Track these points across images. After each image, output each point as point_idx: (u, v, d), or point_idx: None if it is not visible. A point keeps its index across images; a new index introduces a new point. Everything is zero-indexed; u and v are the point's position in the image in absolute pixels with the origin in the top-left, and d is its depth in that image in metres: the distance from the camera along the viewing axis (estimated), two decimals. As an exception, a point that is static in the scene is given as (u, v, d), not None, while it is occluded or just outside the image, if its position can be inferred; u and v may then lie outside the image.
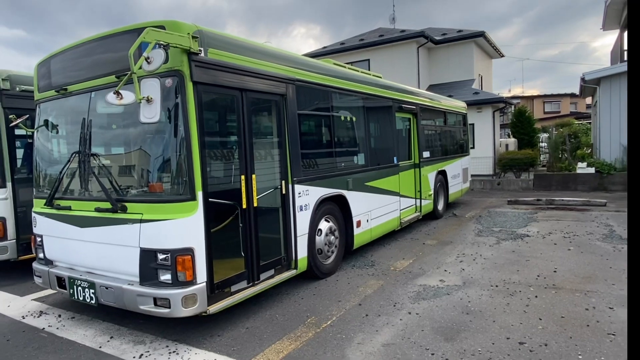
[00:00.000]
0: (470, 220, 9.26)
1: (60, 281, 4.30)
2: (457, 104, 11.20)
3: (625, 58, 16.26)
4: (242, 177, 4.18)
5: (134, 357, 3.62)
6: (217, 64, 3.88)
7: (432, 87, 17.70)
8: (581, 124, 23.09)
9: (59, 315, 4.64)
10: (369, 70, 17.94)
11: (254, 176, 4.28)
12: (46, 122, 4.62)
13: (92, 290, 3.98)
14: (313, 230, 5.21)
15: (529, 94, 42.85)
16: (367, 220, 6.44)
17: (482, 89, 18.31)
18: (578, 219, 9.02)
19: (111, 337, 4.03)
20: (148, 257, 3.66)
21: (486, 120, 15.90)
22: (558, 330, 3.79)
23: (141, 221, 3.68)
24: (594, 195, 12.40)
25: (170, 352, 3.68)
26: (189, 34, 3.56)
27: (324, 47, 19.37)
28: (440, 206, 9.69)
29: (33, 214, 4.69)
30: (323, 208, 5.45)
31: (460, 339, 3.71)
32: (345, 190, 5.85)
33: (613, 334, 3.66)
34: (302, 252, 4.97)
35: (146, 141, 3.90)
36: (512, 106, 19.80)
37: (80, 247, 4.19)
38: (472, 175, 15.83)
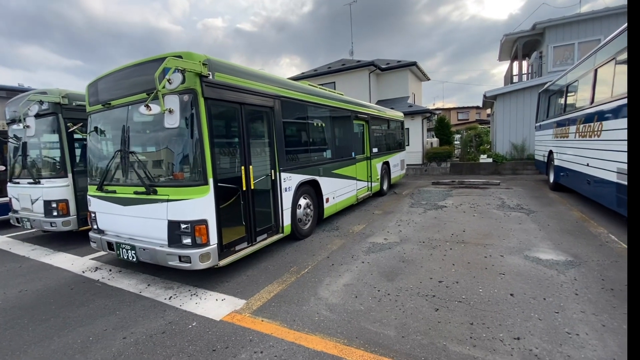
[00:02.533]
0: (406, 197, 9.33)
1: (110, 245, 4.13)
2: (397, 114, 11.18)
3: (514, 81, 16.56)
4: (242, 167, 4.08)
5: (165, 299, 3.53)
6: (222, 84, 3.72)
7: (379, 102, 17.62)
8: (483, 127, 23.54)
9: (110, 270, 4.47)
10: (335, 89, 17.78)
11: (251, 167, 4.17)
12: (96, 128, 4.38)
13: (133, 251, 3.84)
14: (294, 205, 5.13)
15: (447, 106, 43.26)
16: (334, 197, 6.40)
17: (414, 103, 18.32)
18: (480, 194, 9.20)
19: (148, 285, 3.91)
20: (174, 227, 3.55)
21: (417, 125, 16.00)
22: (465, 272, 3.86)
23: (168, 200, 3.55)
24: (492, 177, 12.69)
25: (192, 294, 3.60)
26: (200, 61, 3.39)
27: (302, 73, 18.96)
28: (385, 187, 9.72)
29: (88, 197, 4.46)
30: (302, 189, 5.37)
31: (398, 279, 3.74)
32: (317, 177, 5.77)
33: (503, 274, 3.75)
34: (286, 221, 4.90)
35: (170, 142, 3.73)
36: (435, 115, 19.93)
37: (123, 220, 4.02)
38: (407, 165, 15.99)
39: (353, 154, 7.34)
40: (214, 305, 3.33)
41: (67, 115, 5.31)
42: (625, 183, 4.78)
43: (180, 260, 3.50)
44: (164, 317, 3.13)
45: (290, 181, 4.97)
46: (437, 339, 2.61)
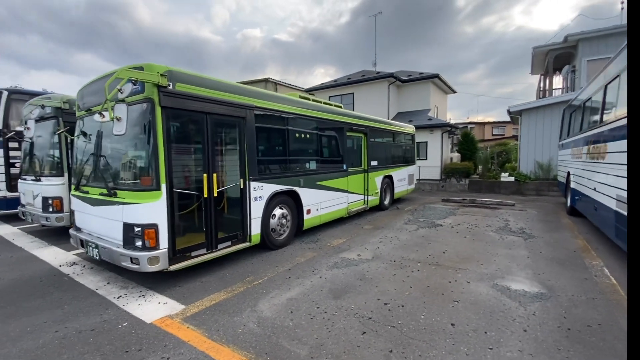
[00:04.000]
0: (406, 212, 9.07)
1: (82, 242, 4.43)
2: (406, 127, 10.96)
3: (541, 96, 15.65)
4: (205, 175, 4.22)
5: (114, 297, 3.71)
6: (183, 94, 3.90)
7: (399, 114, 17.38)
8: (516, 144, 22.37)
9: (84, 266, 4.77)
10: (353, 101, 17.80)
11: (214, 174, 4.30)
12: (81, 132, 4.75)
13: (96, 250, 4.09)
14: (267, 214, 5.19)
15: (480, 120, 41.58)
16: (317, 209, 6.38)
17: (437, 116, 17.86)
18: (486, 214, 8.74)
19: (107, 283, 4.13)
20: (128, 229, 3.74)
21: (436, 139, 15.55)
22: (419, 296, 3.70)
23: (124, 203, 3.76)
24: (509, 198, 11.99)
25: (140, 296, 3.75)
26: (158, 72, 3.60)
27: (322, 83, 19.24)
28: (387, 201, 9.52)
29: (70, 195, 4.83)
30: (278, 199, 5.43)
31: (345, 298, 3.66)
32: (297, 187, 5.80)
33: (457, 301, 3.55)
34: (255, 230, 4.96)
35: (129, 147, 3.96)
36: (458, 129, 19.25)
37: (93, 219, 4.31)
38: (424, 180, 15.57)
39: (344, 166, 7.30)
40: (153, 308, 3.45)
41: (68, 119, 5.77)
42: (624, 213, 4.35)
43: (131, 262, 3.67)
44: (102, 315, 3.30)
45: (261, 190, 5.05)
46: (346, 363, 2.52)
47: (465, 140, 18.28)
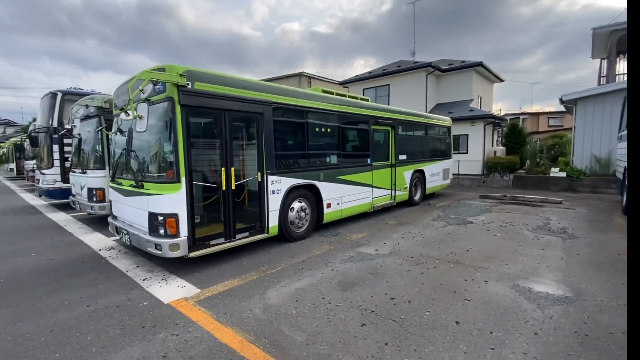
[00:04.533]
0: (437, 209, 8.82)
1: (117, 229, 4.95)
2: (440, 118, 10.59)
3: (602, 83, 14.19)
4: (223, 169, 4.50)
5: (140, 279, 4.12)
6: (201, 93, 4.19)
7: (438, 105, 16.75)
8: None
9: (119, 250, 5.33)
10: (389, 92, 17.46)
11: (232, 168, 4.56)
12: (118, 129, 5.27)
13: (128, 236, 4.56)
14: (285, 207, 5.39)
15: (536, 110, 38.56)
16: (338, 204, 6.47)
17: (480, 107, 16.94)
18: (526, 212, 8.23)
19: (137, 266, 4.59)
20: (152, 218, 4.13)
21: (478, 131, 14.79)
22: (429, 292, 3.67)
23: (149, 194, 4.16)
24: (560, 195, 11.13)
25: (163, 279, 4.14)
26: (177, 73, 3.90)
27: (356, 75, 19.05)
28: (417, 197, 9.32)
29: (109, 187, 5.40)
30: (296, 192, 5.60)
31: (352, 290, 3.74)
32: (316, 181, 5.94)
33: (469, 300, 3.48)
34: (273, 222, 5.19)
35: (153, 143, 4.32)
36: (504, 121, 18.06)
37: (125, 208, 4.80)
38: (463, 175, 14.93)
39: (369, 160, 7.29)
40: (172, 290, 3.80)
41: (108, 117, 6.39)
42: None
43: (155, 248, 4.06)
44: (127, 294, 3.70)
45: (279, 184, 5.25)
46: (339, 352, 2.62)
47: (512, 132, 17.15)
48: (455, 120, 14.22)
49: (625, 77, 14.31)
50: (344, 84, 19.57)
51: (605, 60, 14.51)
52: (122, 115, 3.83)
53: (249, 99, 4.77)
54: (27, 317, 3.24)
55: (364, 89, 18.46)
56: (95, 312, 3.31)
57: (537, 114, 35.81)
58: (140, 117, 3.67)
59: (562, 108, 15.83)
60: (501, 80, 19.19)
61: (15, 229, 6.92)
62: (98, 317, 3.20)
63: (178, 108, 3.96)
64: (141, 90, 3.76)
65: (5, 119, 54.54)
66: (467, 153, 15.13)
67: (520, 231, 6.35)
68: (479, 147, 14.85)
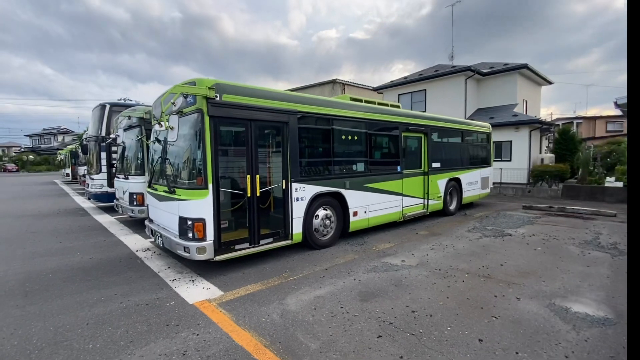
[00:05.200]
0: (474, 219, 8.47)
1: (152, 232, 5.33)
2: (478, 124, 10.20)
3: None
4: (248, 176, 4.71)
5: (170, 280, 4.40)
6: (229, 104, 4.44)
7: (479, 110, 16.12)
8: (636, 142, 18.73)
9: (154, 252, 5.71)
10: (425, 98, 17.13)
11: (257, 176, 4.75)
12: (156, 138, 5.69)
13: (161, 239, 4.89)
14: (309, 215, 5.49)
15: (594, 114, 35.77)
16: (365, 212, 6.45)
17: (526, 111, 16.06)
18: (574, 225, 7.67)
19: (168, 267, 4.91)
20: (182, 222, 4.42)
21: (523, 137, 14.01)
22: (453, 307, 3.57)
23: (180, 200, 4.46)
24: (616, 207, 10.23)
25: (190, 280, 4.39)
26: (206, 86, 4.19)
27: (391, 81, 18.88)
28: (453, 206, 9.03)
29: (145, 192, 5.84)
30: (321, 200, 5.68)
31: (372, 301, 3.73)
32: (342, 189, 5.99)
33: (495, 317, 3.34)
34: (297, 229, 5.30)
35: (184, 151, 4.63)
36: (553, 126, 16.93)
37: (159, 212, 5.16)
38: (506, 184, 14.21)
39: (399, 168, 7.22)
40: (197, 291, 4.02)
41: (149, 127, 6.90)
42: None
43: (184, 250, 4.33)
44: (157, 293, 3.98)
45: (303, 191, 5.37)
46: (351, 362, 2.64)
47: (563, 138, 16.05)
48: (496, 126, 13.65)
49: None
50: (378, 90, 19.50)
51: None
52: (156, 126, 4.18)
53: (274, 109, 4.97)
54: (68, 309, 3.60)
55: (399, 95, 18.26)
56: (127, 308, 3.60)
57: (594, 118, 33.21)
58: (172, 128, 3.98)
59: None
60: (550, 83, 18.07)
61: (65, 229, 7.66)
62: (129, 314, 3.48)
63: (207, 119, 4.23)
64: (173, 103, 4.09)
65: (64, 128, 60.48)
66: (510, 160, 14.39)
67: (565, 246, 5.94)
68: (524, 154, 14.06)
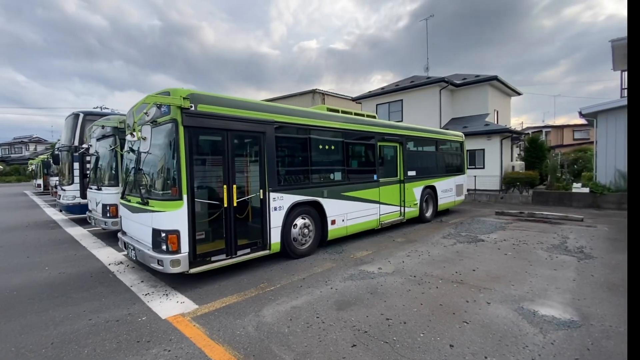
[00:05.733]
0: (449, 226, 8.65)
1: (125, 244, 5.14)
2: (452, 134, 10.50)
3: (624, 95, 13.73)
4: (225, 186, 4.64)
5: (143, 294, 4.25)
6: (204, 114, 4.39)
7: (453, 120, 16.61)
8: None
9: (127, 265, 5.51)
10: (402, 108, 17.50)
11: (234, 186, 4.71)
12: (130, 148, 5.53)
13: (134, 252, 4.73)
14: (287, 224, 5.46)
15: (562, 123, 37.52)
16: (343, 220, 6.48)
17: (497, 121, 16.68)
18: (543, 230, 7.96)
19: (142, 281, 4.74)
20: (156, 234, 4.29)
21: (494, 146, 14.52)
22: (427, 313, 3.61)
23: (153, 211, 4.34)
24: (583, 212, 10.70)
25: (164, 294, 4.25)
26: (181, 96, 4.13)
27: (369, 92, 19.23)
28: (429, 213, 9.20)
29: (119, 203, 5.65)
30: (299, 209, 5.67)
31: (348, 310, 3.72)
32: (320, 198, 6.00)
33: (467, 322, 3.40)
34: (275, 238, 5.25)
35: (158, 162, 4.54)
36: (522, 135, 17.65)
37: (133, 224, 4.99)
38: (480, 190, 14.62)
39: (375, 176, 7.31)
40: (171, 305, 3.89)
41: (123, 137, 6.72)
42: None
43: (157, 263, 4.20)
44: (129, 309, 3.83)
45: (281, 201, 5.34)
46: (325, 373, 2.62)
47: (532, 146, 16.75)
48: (470, 135, 14.09)
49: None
50: (357, 100, 19.79)
51: (626, 72, 14.09)
52: (128, 136, 4.07)
53: (251, 119, 4.95)
54: (32, 328, 3.40)
55: (377, 105, 18.59)
56: (96, 325, 3.44)
57: (562, 127, 34.83)
58: (144, 139, 3.88)
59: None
60: (519, 94, 18.89)
61: (34, 243, 7.29)
62: (97, 331, 3.32)
63: (181, 129, 4.16)
64: (145, 113, 4.00)
65: (36, 137, 57.93)
66: (483, 168, 14.86)
67: (534, 250, 6.14)
68: (496, 162, 14.55)
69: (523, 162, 16.29)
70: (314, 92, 21.59)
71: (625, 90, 13.98)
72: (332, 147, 6.43)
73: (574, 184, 12.49)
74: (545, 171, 14.68)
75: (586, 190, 12.11)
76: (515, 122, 36.45)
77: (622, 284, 4.37)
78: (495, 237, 7.27)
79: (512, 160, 16.77)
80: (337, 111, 6.91)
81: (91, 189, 7.58)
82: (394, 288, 4.35)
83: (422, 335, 3.17)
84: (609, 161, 12.22)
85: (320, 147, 6.18)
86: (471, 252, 6.03)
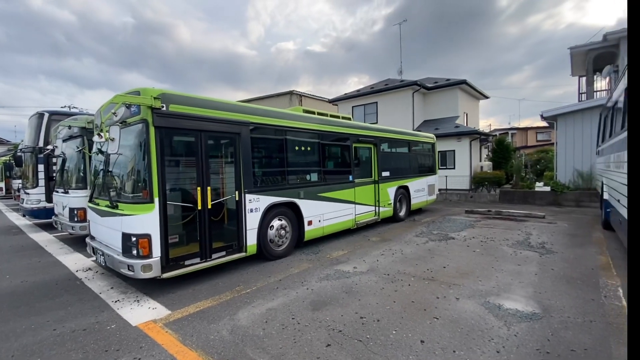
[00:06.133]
0: (421, 225, 8.87)
1: (94, 250, 4.91)
2: (424, 135, 10.78)
3: (581, 99, 14.61)
4: (199, 188, 4.54)
5: (112, 301, 4.08)
6: (177, 115, 4.27)
7: (425, 122, 17.06)
8: (559, 150, 20.93)
9: (96, 271, 5.27)
10: (377, 110, 17.78)
11: (208, 188, 4.61)
12: (98, 149, 5.29)
13: (103, 257, 4.53)
14: (264, 226, 5.40)
15: (527, 125, 39.31)
16: (320, 221, 6.49)
17: (467, 123, 17.28)
18: (509, 227, 8.31)
19: (111, 288, 4.55)
20: (126, 238, 4.13)
21: (464, 147, 15.04)
22: (399, 311, 3.68)
23: (122, 215, 4.17)
24: (545, 209, 11.27)
25: (135, 300, 4.09)
26: (152, 96, 3.99)
27: (345, 94, 19.43)
28: (402, 213, 9.39)
29: (87, 207, 5.39)
30: (276, 210, 5.63)
31: (323, 310, 3.73)
32: (296, 199, 5.99)
33: (437, 318, 3.49)
34: (251, 240, 5.18)
35: (128, 164, 4.37)
36: (490, 136, 18.40)
37: (101, 229, 4.78)
38: (451, 190, 15.08)
39: (351, 177, 7.37)
40: (142, 312, 3.76)
41: (89, 136, 6.41)
42: None
43: (128, 269, 4.04)
44: (97, 317, 3.66)
45: (257, 202, 5.28)
46: (300, 374, 2.61)
47: (499, 147, 17.49)
48: (441, 136, 14.51)
49: (603, 94, 14.76)
50: (334, 102, 19.91)
51: (584, 78, 14.98)
52: (95, 137, 3.89)
53: (226, 120, 4.86)
54: (-10, 342, 3.19)
55: (353, 107, 18.78)
56: (61, 336, 3.27)
57: (526, 129, 36.51)
58: (112, 140, 3.73)
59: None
60: (486, 97, 19.66)
61: (-6, 250, 6.83)
62: (62, 342, 3.16)
63: (152, 130, 4.03)
64: (114, 113, 3.84)
65: (-3, 138, 54.27)
66: (454, 168, 15.34)
67: (500, 247, 6.40)
68: (466, 163, 15.06)
69: (491, 163, 16.97)
70: (291, 93, 21.53)
71: (583, 95, 14.88)
72: (309, 149, 6.43)
73: (537, 183, 13.13)
74: (511, 171, 15.35)
75: (547, 189, 12.76)
76: (484, 124, 37.91)
77: (580, 277, 4.63)
78: (465, 234, 7.51)
79: (480, 161, 17.41)
80: (313, 113, 6.92)
81: (57, 192, 7.19)
82: (369, 287, 4.41)
83: (394, 332, 3.23)
84: (568, 161, 12.95)
85: (297, 148, 6.16)
86: (442, 250, 6.20)
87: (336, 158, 7.29)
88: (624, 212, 4.97)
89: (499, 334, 3.14)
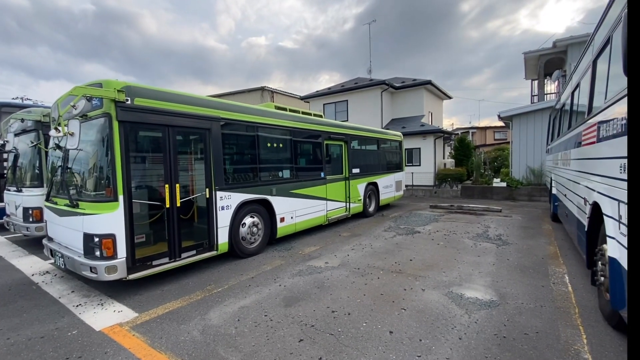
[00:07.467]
0: (389, 219, 9.10)
1: (52, 252, 4.57)
2: (391, 133, 11.03)
3: (534, 101, 15.60)
4: (167, 185, 4.35)
5: (73, 306, 3.82)
6: (143, 109, 4.05)
7: (393, 120, 17.46)
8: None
9: (55, 275, 4.91)
10: (347, 108, 17.93)
11: (177, 185, 4.43)
12: (56, 145, 4.91)
13: (62, 259, 4.23)
14: (235, 223, 5.29)
15: (486, 125, 41.38)
16: (292, 217, 6.47)
17: (432, 122, 17.89)
18: (470, 221, 8.73)
19: (72, 291, 4.26)
20: (87, 239, 3.87)
21: (429, 145, 15.57)
22: (369, 303, 3.75)
23: (84, 214, 3.91)
24: (499, 204, 11.94)
25: (98, 304, 3.86)
26: (115, 89, 3.76)
27: (317, 91, 19.44)
28: (372, 208, 9.57)
29: (43, 206, 5.00)
30: (248, 208, 5.53)
31: (295, 306, 3.72)
32: (269, 196, 5.91)
33: (404, 309, 3.59)
34: (222, 238, 5.06)
35: (89, 160, 4.10)
36: (453, 135, 19.20)
37: (60, 229, 4.46)
38: (417, 186, 15.56)
39: (322, 174, 7.39)
40: (107, 316, 3.55)
41: (47, 132, 5.94)
42: (584, 222, 4.34)
43: (90, 271, 3.79)
44: (56, 323, 3.41)
45: (229, 200, 5.16)
46: (273, 370, 2.59)
47: (460, 145, 18.28)
48: (407, 134, 14.91)
49: (553, 96, 15.85)
50: (305, 99, 19.84)
51: (536, 81, 15.99)
52: (52, 132, 3.60)
53: (195, 115, 4.68)
54: None
55: (324, 104, 18.81)
56: (15, 345, 3.02)
57: (485, 129, 38.41)
58: (72, 134, 3.46)
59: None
60: (449, 97, 20.45)
61: None
62: (17, 351, 2.91)
63: (115, 124, 3.79)
64: (73, 106, 3.57)
65: (-62, 131, 48.96)
66: (419, 165, 15.85)
67: (461, 239, 6.70)
68: (430, 160, 15.61)
69: (453, 160, 17.71)
70: (262, 89, 21.16)
71: (536, 97, 15.87)
72: (281, 145, 6.35)
73: (494, 179, 13.88)
74: (471, 168, 16.10)
75: (504, 184, 13.53)
76: (447, 124, 39.49)
77: (532, 266, 4.95)
78: (430, 228, 7.79)
79: (444, 158, 18.11)
80: (285, 109, 6.85)
81: (9, 190, 6.60)
82: (340, 281, 4.45)
83: (364, 324, 3.28)
84: (522, 159, 13.79)
85: (269, 145, 6.07)
86: (409, 243, 6.40)
87: (308, 155, 7.28)
88: (569, 205, 5.37)
89: (461, 322, 3.29)
